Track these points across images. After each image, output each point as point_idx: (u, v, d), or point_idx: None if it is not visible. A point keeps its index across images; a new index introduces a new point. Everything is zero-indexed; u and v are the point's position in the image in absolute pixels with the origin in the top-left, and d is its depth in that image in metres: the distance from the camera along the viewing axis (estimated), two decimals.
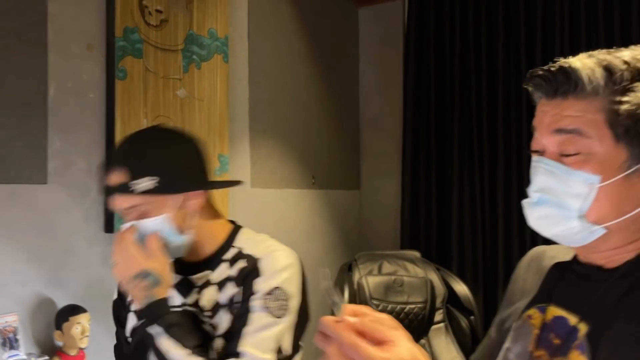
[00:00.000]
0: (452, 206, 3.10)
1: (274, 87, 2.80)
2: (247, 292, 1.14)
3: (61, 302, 1.84)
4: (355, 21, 3.45)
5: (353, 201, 3.39)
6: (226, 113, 2.44)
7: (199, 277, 1.21)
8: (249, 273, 1.16)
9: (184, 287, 1.23)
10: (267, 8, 2.75)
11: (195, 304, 1.20)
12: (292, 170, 2.90)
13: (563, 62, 0.72)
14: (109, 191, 1.11)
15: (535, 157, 0.75)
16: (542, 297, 0.79)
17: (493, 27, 3.00)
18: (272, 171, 2.77)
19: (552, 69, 0.72)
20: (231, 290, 1.18)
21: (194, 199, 1.14)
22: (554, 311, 0.75)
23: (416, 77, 3.20)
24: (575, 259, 0.79)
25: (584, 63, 0.70)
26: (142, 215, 1.10)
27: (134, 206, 1.09)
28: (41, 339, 1.79)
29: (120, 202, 1.10)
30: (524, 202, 0.76)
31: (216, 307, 1.18)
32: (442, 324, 2.84)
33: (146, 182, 1.06)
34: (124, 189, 1.07)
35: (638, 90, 0.68)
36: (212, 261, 1.22)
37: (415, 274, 2.91)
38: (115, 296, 1.33)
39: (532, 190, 0.74)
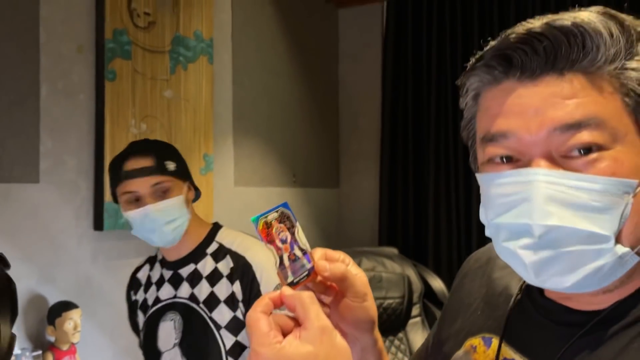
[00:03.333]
0: (429, 204, 3.22)
1: (257, 88, 2.86)
2: (249, 291, 1.25)
3: (52, 298, 1.88)
4: (335, 22, 3.54)
5: (332, 199, 3.48)
6: (211, 113, 2.50)
7: (186, 270, 1.32)
8: (243, 272, 1.27)
9: (175, 281, 1.32)
10: (250, 10, 2.81)
11: (191, 296, 1.29)
12: (274, 169, 2.97)
13: (554, 19, 0.49)
14: (130, 175, 1.26)
15: (511, 172, 0.50)
16: (490, 325, 0.61)
17: (469, 29, 3.12)
18: (254, 170, 2.84)
19: (544, 31, 0.48)
20: (226, 287, 1.28)
21: (190, 191, 1.34)
22: (505, 352, 0.57)
23: (394, 78, 3.30)
24: (532, 287, 0.58)
25: (592, 18, 0.48)
26: (165, 192, 1.27)
27: (159, 183, 1.26)
28: (33, 335, 1.83)
29: (147, 182, 1.25)
30: (513, 248, 0.50)
31: (213, 301, 1.27)
32: (418, 318, 2.95)
33: (169, 165, 1.27)
34: (151, 170, 1.25)
35: None
36: (196, 254, 1.33)
37: (393, 269, 3.01)
38: (127, 285, 1.49)
39: (528, 223, 0.48)
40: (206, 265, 1.32)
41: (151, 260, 1.48)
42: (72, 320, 1.83)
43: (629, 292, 0.51)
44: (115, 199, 1.36)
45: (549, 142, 0.48)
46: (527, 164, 0.49)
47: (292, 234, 0.55)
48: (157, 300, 1.37)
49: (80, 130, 1.99)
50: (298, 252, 0.55)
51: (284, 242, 0.55)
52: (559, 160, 0.48)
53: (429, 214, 3.22)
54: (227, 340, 1.25)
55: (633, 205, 0.47)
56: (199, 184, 2.40)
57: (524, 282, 0.60)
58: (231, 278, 1.28)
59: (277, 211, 0.55)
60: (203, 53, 2.45)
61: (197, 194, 1.38)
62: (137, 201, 1.27)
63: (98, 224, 2.02)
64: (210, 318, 1.27)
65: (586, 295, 0.52)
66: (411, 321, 2.94)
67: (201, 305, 1.28)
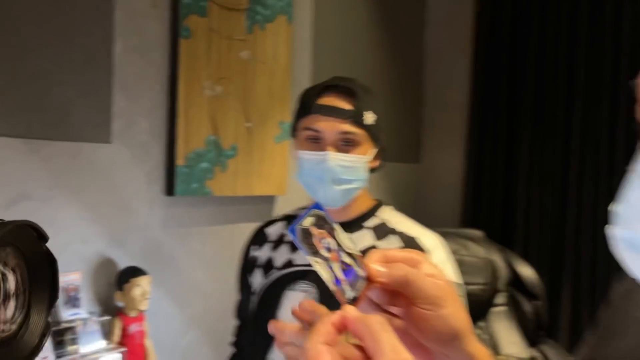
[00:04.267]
0: (520, 186, 2.94)
1: (337, 53, 2.69)
2: None
3: (122, 263, 1.83)
4: None
5: (412, 175, 3.27)
6: (288, 78, 2.35)
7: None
8: None
9: None
10: None
11: None
12: None
13: None
14: (323, 110, 1.11)
15: None
16: None
17: None
18: None
19: None
20: None
21: (377, 160, 1.17)
22: None
23: (488, 45, 3.02)
24: None
25: None
26: (351, 146, 1.11)
27: (349, 133, 1.10)
28: (102, 299, 1.79)
29: (338, 126, 1.10)
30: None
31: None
32: (503, 307, 2.71)
33: (368, 116, 1.11)
34: (350, 114, 1.10)
35: None
36: (352, 225, 1.18)
37: (477, 253, 2.78)
38: (249, 238, 1.32)
39: None
40: (364, 239, 1.16)
41: (290, 219, 1.29)
42: (141, 286, 1.77)
43: None
44: (293, 132, 1.23)
45: None
46: None
47: (334, 238, 0.46)
48: (289, 263, 1.18)
49: (153, 90, 1.90)
50: (347, 259, 0.45)
51: (329, 250, 0.45)
52: None
53: (519, 196, 2.95)
54: None
55: None
56: (274, 153, 2.29)
57: None
58: None
59: (312, 214, 0.46)
60: (282, 12, 2.29)
61: (381, 165, 1.22)
62: (317, 142, 1.12)
63: (169, 189, 1.94)
64: None
65: None
66: (494, 309, 2.71)
67: None
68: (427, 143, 3.33)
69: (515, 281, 2.72)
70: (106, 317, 1.73)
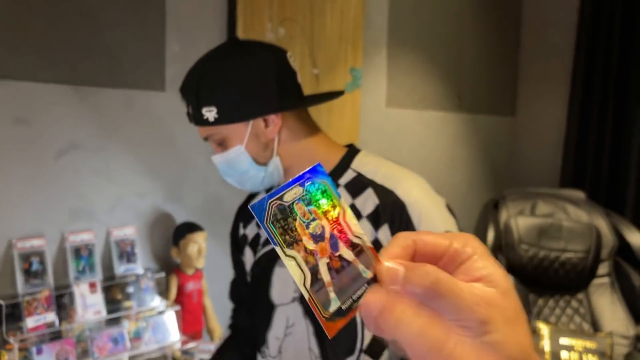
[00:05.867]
0: (632, 141, 2.54)
1: None
2: None
3: (179, 218, 1.74)
4: None
5: (506, 129, 2.95)
6: (361, 19, 2.12)
7: None
8: (393, 212, 0.91)
9: None
10: None
11: None
12: (435, 89, 2.53)
13: None
14: (189, 119, 1.00)
15: None
16: None
17: None
18: (411, 89, 2.43)
19: None
20: (368, 228, 0.92)
21: (271, 124, 0.95)
22: None
23: None
24: None
25: None
26: (223, 143, 0.96)
27: (209, 135, 0.96)
28: (158, 254, 1.72)
29: (200, 133, 0.98)
30: None
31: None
32: (606, 279, 2.39)
33: (206, 113, 0.93)
34: (195, 120, 0.96)
35: None
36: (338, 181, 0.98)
37: (578, 218, 2.46)
38: (235, 216, 1.18)
39: None
40: None
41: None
42: (197, 243, 1.67)
43: None
44: None
45: None
46: None
47: (336, 220, 0.33)
48: None
49: (210, 32, 1.76)
50: (348, 255, 0.32)
51: (318, 238, 0.32)
52: None
53: (630, 154, 2.55)
54: None
55: None
56: (344, 102, 2.09)
57: None
58: (375, 219, 0.91)
59: (295, 186, 0.32)
60: None
61: (311, 101, 1.01)
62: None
63: None
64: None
65: None
66: (596, 281, 2.40)
67: None
68: (523, 93, 2.97)
69: (623, 250, 2.38)
70: (162, 274, 1.66)
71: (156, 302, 1.62)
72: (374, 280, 0.32)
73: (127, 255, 1.62)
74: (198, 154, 1.77)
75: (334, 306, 0.31)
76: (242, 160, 0.96)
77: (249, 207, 0.35)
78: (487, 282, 0.31)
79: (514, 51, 2.94)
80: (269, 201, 0.32)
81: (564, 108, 2.79)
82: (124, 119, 1.61)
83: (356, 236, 0.33)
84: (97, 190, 1.57)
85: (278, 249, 0.31)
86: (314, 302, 0.31)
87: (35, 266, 1.44)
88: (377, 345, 0.93)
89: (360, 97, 2.14)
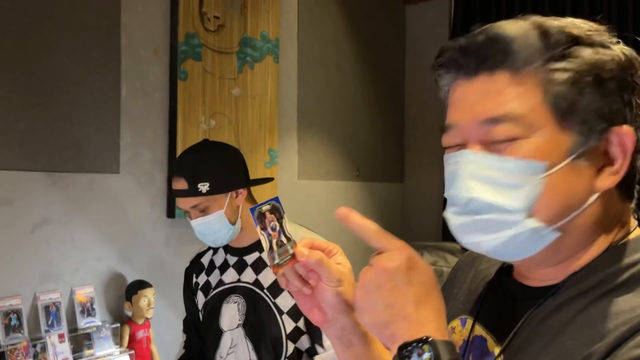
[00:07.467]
0: None
1: (322, 84, 2.97)
2: None
3: (130, 277, 2.09)
4: (402, 18, 3.57)
5: (396, 193, 3.53)
6: (276, 109, 2.63)
7: (250, 258, 1.42)
8: None
9: (240, 267, 1.44)
10: (316, 9, 2.92)
11: (256, 282, 1.40)
12: (337, 163, 3.07)
13: (487, 27, 0.57)
14: (175, 194, 1.40)
15: (452, 154, 0.59)
16: (468, 308, 0.69)
17: None
18: (318, 164, 2.95)
19: (475, 38, 0.57)
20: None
21: (239, 195, 1.41)
22: (477, 329, 0.65)
23: None
24: (504, 270, 0.67)
25: (514, 27, 0.56)
26: (204, 211, 1.37)
27: (196, 205, 1.37)
28: (113, 309, 2.05)
29: (185, 203, 1.38)
30: (446, 214, 0.60)
31: (278, 288, 1.37)
32: None
33: (201, 187, 1.35)
34: (186, 192, 1.36)
35: (576, 54, 0.54)
36: (250, 249, 1.44)
37: (454, 264, 3.02)
38: (188, 268, 1.59)
39: (456, 194, 0.58)
40: (258, 263, 1.43)
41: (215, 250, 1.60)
42: (147, 297, 2.02)
43: (580, 266, 0.57)
44: None
45: (478, 131, 0.57)
46: (464, 147, 0.58)
47: (281, 224, 0.64)
48: (221, 282, 1.48)
49: (155, 125, 2.18)
50: (284, 239, 0.63)
51: (273, 229, 0.63)
52: (489, 145, 0.56)
53: None
54: (288, 325, 1.34)
55: (546, 184, 0.54)
56: (264, 176, 2.56)
57: (499, 267, 0.69)
58: None
59: (269, 204, 0.64)
60: (269, 52, 2.58)
61: (259, 182, 1.47)
62: (187, 213, 1.42)
63: (170, 212, 2.21)
64: (274, 303, 1.36)
65: (540, 271, 0.60)
66: None
67: (265, 291, 1.38)
68: (409, 163, 3.58)
69: None
70: (117, 325, 1.99)
71: (113, 348, 1.94)
72: (294, 255, 0.64)
73: (88, 310, 1.94)
74: (146, 223, 2.15)
75: (276, 261, 0.63)
76: (221, 221, 1.38)
77: (249, 209, 0.66)
78: (342, 265, 0.66)
79: (400, 129, 3.57)
80: (256, 208, 0.63)
81: (441, 175, 3.42)
82: (87, 197, 1.98)
83: (288, 232, 0.64)
84: (64, 256, 1.90)
85: (258, 230, 0.63)
86: (269, 258, 0.63)
87: (14, 321, 1.74)
88: (296, 353, 1.37)
89: (277, 172, 2.63)
